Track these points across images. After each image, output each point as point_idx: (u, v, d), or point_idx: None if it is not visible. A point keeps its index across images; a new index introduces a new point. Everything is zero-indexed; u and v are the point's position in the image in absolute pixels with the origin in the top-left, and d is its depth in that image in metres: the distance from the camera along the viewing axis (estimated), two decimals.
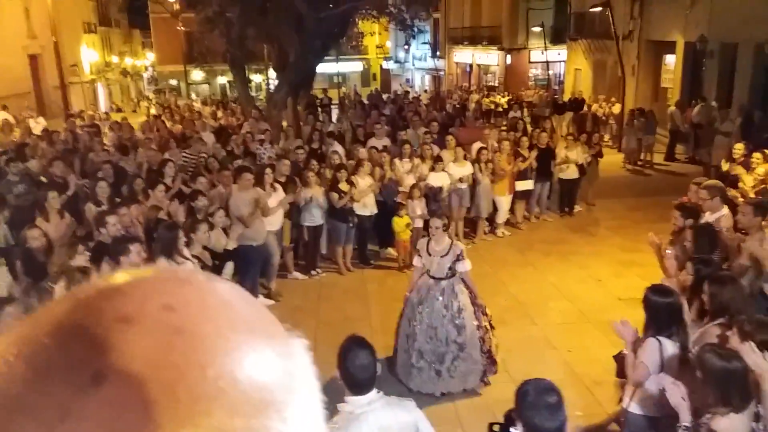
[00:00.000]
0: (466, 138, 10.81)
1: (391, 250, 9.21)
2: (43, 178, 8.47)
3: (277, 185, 7.81)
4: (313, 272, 8.63)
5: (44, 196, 6.83)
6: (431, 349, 5.55)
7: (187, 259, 5.30)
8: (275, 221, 7.72)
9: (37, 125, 15.99)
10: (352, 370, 2.69)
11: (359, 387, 2.70)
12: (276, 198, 7.63)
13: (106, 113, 21.47)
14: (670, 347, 3.66)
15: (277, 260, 7.94)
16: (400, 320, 5.84)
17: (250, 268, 7.13)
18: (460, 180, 9.26)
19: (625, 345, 3.93)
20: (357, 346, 2.78)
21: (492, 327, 5.83)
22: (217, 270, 5.74)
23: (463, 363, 5.56)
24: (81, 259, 4.94)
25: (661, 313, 3.75)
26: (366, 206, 8.64)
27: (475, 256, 9.29)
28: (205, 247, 5.76)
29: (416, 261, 5.76)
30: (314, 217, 8.30)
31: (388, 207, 8.82)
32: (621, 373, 4.32)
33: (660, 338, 3.66)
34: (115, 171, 8.22)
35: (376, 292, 8.08)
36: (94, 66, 32.29)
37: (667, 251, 5.10)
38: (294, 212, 8.23)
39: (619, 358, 4.33)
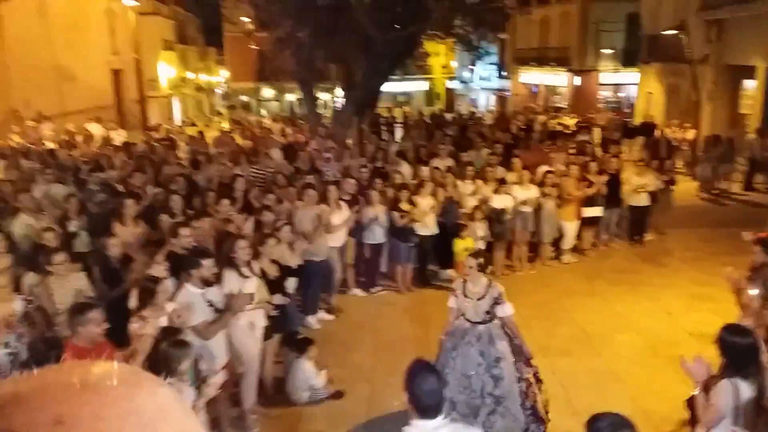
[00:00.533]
0: (531, 160, 10.65)
1: (451, 272, 9.14)
2: (120, 188, 8.91)
3: (342, 203, 7.92)
4: (372, 290, 8.67)
5: (121, 204, 7.18)
6: (465, 401, 5.04)
7: (253, 272, 5.42)
8: (338, 238, 7.83)
9: (118, 137, 16.86)
10: (419, 394, 2.68)
11: (427, 411, 2.69)
12: (340, 215, 7.74)
13: (181, 127, 22.39)
14: (746, 391, 3.45)
15: (339, 276, 8.02)
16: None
17: (311, 282, 7.24)
18: (524, 203, 9.12)
19: (696, 384, 3.74)
20: (425, 370, 2.77)
21: (539, 380, 5.27)
22: (281, 284, 5.83)
23: (501, 419, 5.00)
24: (159, 269, 5.12)
25: (737, 353, 3.55)
26: (427, 226, 8.63)
27: (538, 282, 9.15)
28: (272, 261, 5.87)
29: (451, 302, 5.23)
30: (376, 235, 8.36)
31: (449, 228, 8.77)
32: (694, 420, 4.10)
33: (735, 381, 3.47)
34: (187, 183, 8.56)
35: (435, 313, 7.98)
36: (170, 81, 33.81)
37: (748, 289, 4.83)
38: (356, 230, 8.31)
39: (692, 404, 4.11)
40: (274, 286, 5.67)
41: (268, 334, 5.61)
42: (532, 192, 9.25)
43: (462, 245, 8.55)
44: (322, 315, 7.76)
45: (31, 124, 17.70)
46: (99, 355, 4.07)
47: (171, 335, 4.19)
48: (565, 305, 8.23)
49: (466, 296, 5.08)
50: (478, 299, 5.03)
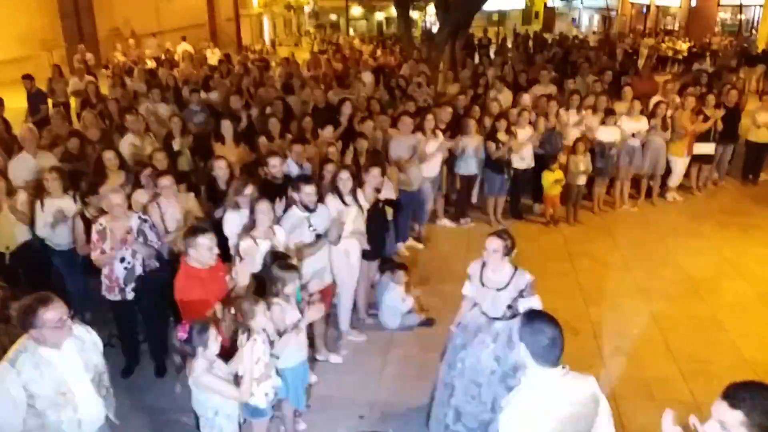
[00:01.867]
0: (641, 89, 9.90)
1: (540, 207, 8.86)
2: (219, 109, 9.09)
3: (438, 132, 7.71)
4: (462, 221, 8.55)
5: (222, 125, 7.31)
6: (472, 413, 4.17)
7: (355, 201, 5.42)
8: (432, 168, 7.68)
9: (213, 56, 17.15)
10: (538, 344, 2.60)
11: (544, 361, 2.61)
12: (435, 145, 7.56)
13: (273, 47, 22.45)
14: None
15: (430, 206, 7.94)
16: (441, 358, 4.46)
17: (402, 212, 7.21)
18: (633, 136, 8.55)
19: None
20: (544, 319, 2.66)
21: None
22: (380, 213, 5.81)
23: None
24: (250, 190, 5.21)
25: None
26: (524, 159, 8.30)
27: (640, 221, 8.70)
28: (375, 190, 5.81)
29: (466, 288, 4.29)
30: (469, 166, 8.14)
31: (548, 161, 8.40)
32: None
33: None
34: (283, 107, 8.59)
35: (527, 248, 7.77)
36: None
37: None
38: (450, 159, 8.13)
39: None
40: (374, 215, 5.66)
41: (364, 259, 5.67)
42: (641, 124, 8.64)
43: (551, 178, 8.22)
44: (412, 243, 7.77)
45: (132, 43, 18.32)
46: (211, 276, 4.29)
47: (279, 257, 4.31)
48: (668, 246, 7.81)
49: (483, 284, 4.11)
50: (499, 289, 4.04)
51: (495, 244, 4.00)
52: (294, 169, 6.28)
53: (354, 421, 4.73)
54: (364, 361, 5.47)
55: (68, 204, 5.57)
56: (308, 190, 4.93)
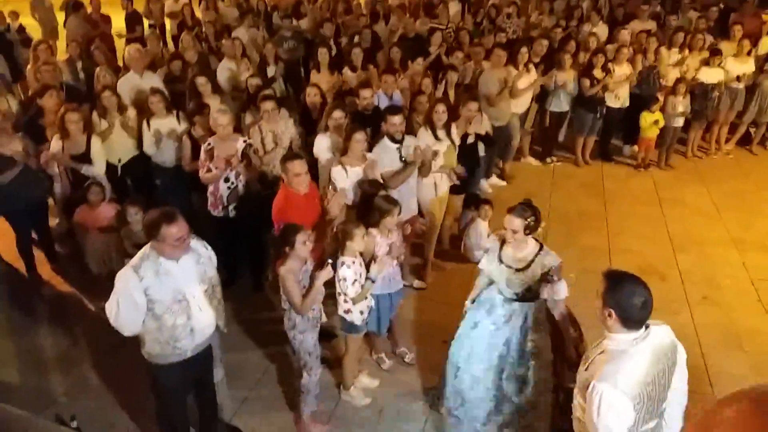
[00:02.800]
0: (748, 28, 9.16)
1: (633, 149, 8.56)
2: (310, 36, 9.12)
3: (531, 66, 7.49)
4: (548, 159, 8.41)
5: (314, 52, 7.35)
6: (475, 400, 3.88)
7: (448, 137, 5.43)
8: (522, 103, 7.53)
9: None
10: (632, 309, 2.51)
11: (634, 325, 2.55)
12: (527, 79, 7.37)
13: None
14: None
15: (517, 143, 7.84)
16: (455, 334, 4.04)
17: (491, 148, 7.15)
18: (738, 78, 8.03)
19: None
20: (633, 281, 2.56)
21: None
22: (471, 149, 5.81)
23: None
24: (338, 114, 5.31)
25: None
26: (618, 98, 7.97)
27: (736, 169, 8.30)
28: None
29: (483, 261, 3.84)
30: (561, 102, 7.91)
31: (644, 101, 8.04)
32: None
33: None
34: (371, 36, 8.52)
35: (615, 190, 7.67)
36: None
37: None
38: (541, 95, 7.92)
39: None
40: (466, 150, 5.67)
41: (452, 193, 5.73)
42: (748, 66, 8.08)
43: (650, 119, 7.89)
44: (495, 180, 7.74)
45: None
46: (307, 201, 4.48)
47: (375, 186, 4.44)
48: (765, 198, 7.45)
49: (501, 261, 3.66)
50: (518, 270, 3.59)
51: (514, 224, 3.48)
52: (384, 101, 6.31)
53: (437, 346, 4.92)
54: (447, 290, 5.63)
55: (173, 124, 5.85)
56: (395, 121, 4.97)
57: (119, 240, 5.42)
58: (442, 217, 5.80)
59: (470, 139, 5.77)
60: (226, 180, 5.07)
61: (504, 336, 3.67)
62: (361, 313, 4.10)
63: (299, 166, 4.34)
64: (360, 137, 4.78)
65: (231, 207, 5.16)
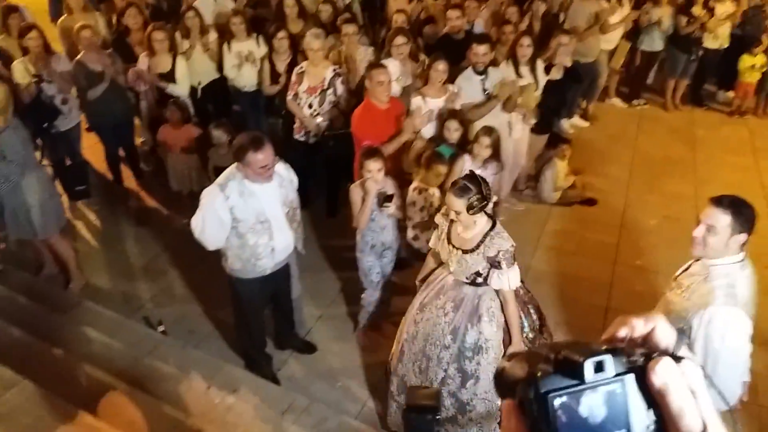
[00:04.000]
0: None
1: (729, 94, 7.99)
2: None
3: (624, 0, 7.01)
4: (635, 101, 7.98)
5: None
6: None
7: (533, 73, 5.21)
8: (612, 40, 7.10)
9: None
10: (752, 224, 2.44)
11: (743, 247, 2.49)
12: (620, 14, 6.91)
13: None
14: None
15: (603, 82, 7.44)
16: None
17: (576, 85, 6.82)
18: None
19: None
20: (747, 204, 2.46)
21: None
22: (557, 86, 5.55)
23: None
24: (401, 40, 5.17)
25: None
26: (717, 38, 7.40)
27: None
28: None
29: (433, 239, 3.43)
30: (654, 41, 7.42)
31: (745, 43, 7.44)
32: None
33: None
34: None
35: (706, 138, 7.22)
36: None
37: None
38: (632, 32, 7.43)
39: None
40: (550, 87, 5.42)
41: (532, 132, 5.54)
42: None
43: (750, 62, 7.31)
44: (577, 120, 7.43)
45: None
46: (386, 115, 4.45)
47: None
48: None
49: (449, 241, 3.21)
50: (465, 252, 3.12)
51: (455, 205, 3.00)
52: (478, 28, 6.07)
53: None
54: (521, 229, 5.48)
55: (253, 47, 5.83)
56: (481, 50, 4.79)
57: (200, 161, 5.57)
58: (519, 157, 5.62)
59: (557, 75, 5.50)
60: (310, 106, 5.06)
61: (453, 323, 3.19)
62: (428, 242, 4.09)
63: (383, 74, 4.34)
64: (442, 67, 4.65)
65: (311, 135, 5.17)
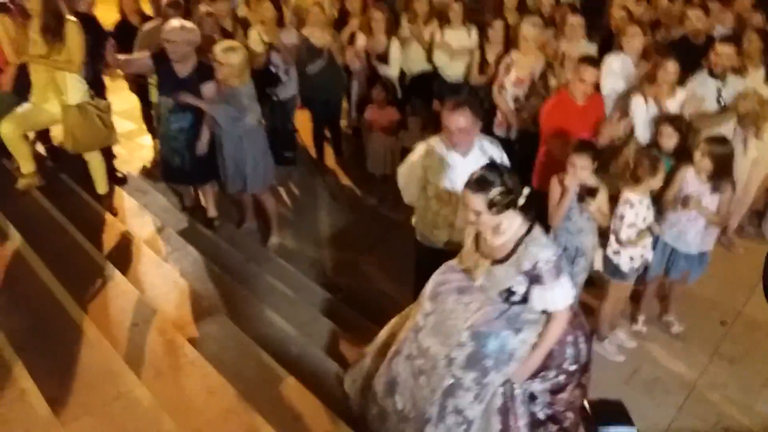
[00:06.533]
0: None
1: None
2: None
3: None
4: None
5: None
6: (411, 399, 2.80)
7: None
8: None
9: None
10: None
11: None
12: None
13: None
14: None
15: None
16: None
17: None
18: None
19: None
20: None
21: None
22: None
23: None
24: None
25: None
26: None
27: None
28: None
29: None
30: None
31: None
32: None
33: None
34: None
35: None
36: None
37: None
38: None
39: None
40: None
41: None
42: None
43: None
44: None
45: None
46: (582, 112, 4.00)
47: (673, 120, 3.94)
48: None
49: (477, 249, 2.67)
50: (494, 263, 2.56)
51: (474, 203, 2.44)
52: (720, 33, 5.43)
53: (712, 325, 4.29)
54: (735, 270, 4.78)
55: (464, 36, 5.74)
56: (726, 51, 4.31)
57: (397, 143, 5.68)
58: (749, 188, 4.87)
59: None
60: (516, 99, 4.88)
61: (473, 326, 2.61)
62: (631, 259, 3.69)
63: (589, 72, 4.07)
64: (672, 68, 4.21)
65: (513, 129, 4.99)
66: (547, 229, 3.73)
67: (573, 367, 2.74)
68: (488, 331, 2.57)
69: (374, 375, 3.01)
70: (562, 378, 2.73)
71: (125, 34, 5.20)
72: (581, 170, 3.50)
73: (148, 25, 5.23)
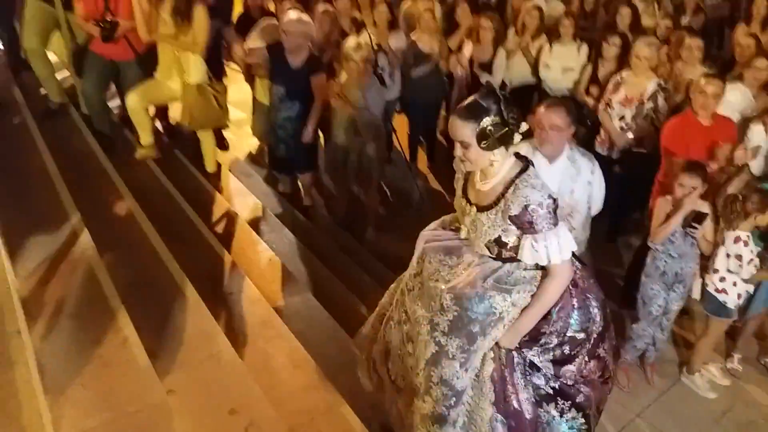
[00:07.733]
0: None
1: None
2: None
3: None
4: None
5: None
6: (403, 369, 2.61)
7: None
8: None
9: None
10: None
11: None
12: None
13: None
14: None
15: None
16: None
17: None
18: None
19: None
20: None
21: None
22: None
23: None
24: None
25: None
26: None
27: None
28: None
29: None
30: None
31: None
32: None
33: None
34: None
35: None
36: None
37: None
38: None
39: None
40: None
41: None
42: None
43: None
44: None
45: None
46: (712, 134, 3.86)
47: None
48: None
49: (463, 195, 2.40)
50: (480, 210, 2.28)
51: (462, 132, 2.15)
52: None
53: None
54: None
55: (573, 52, 5.64)
56: None
57: None
58: None
59: None
60: (621, 118, 4.74)
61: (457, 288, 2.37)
62: (739, 296, 3.50)
63: (713, 86, 3.87)
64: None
65: (618, 149, 4.85)
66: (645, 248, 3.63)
67: (581, 336, 2.41)
68: (473, 293, 2.27)
69: (373, 343, 2.84)
70: (566, 348, 2.40)
71: (245, 27, 5.50)
72: (690, 190, 3.37)
73: (266, 21, 5.51)
